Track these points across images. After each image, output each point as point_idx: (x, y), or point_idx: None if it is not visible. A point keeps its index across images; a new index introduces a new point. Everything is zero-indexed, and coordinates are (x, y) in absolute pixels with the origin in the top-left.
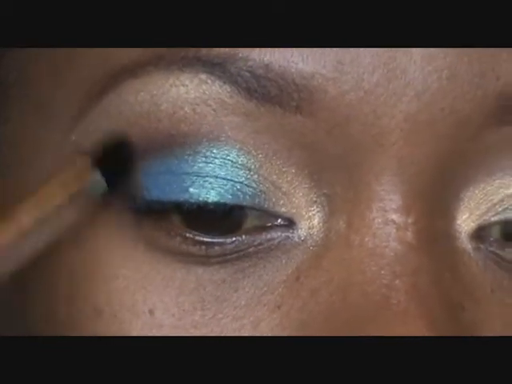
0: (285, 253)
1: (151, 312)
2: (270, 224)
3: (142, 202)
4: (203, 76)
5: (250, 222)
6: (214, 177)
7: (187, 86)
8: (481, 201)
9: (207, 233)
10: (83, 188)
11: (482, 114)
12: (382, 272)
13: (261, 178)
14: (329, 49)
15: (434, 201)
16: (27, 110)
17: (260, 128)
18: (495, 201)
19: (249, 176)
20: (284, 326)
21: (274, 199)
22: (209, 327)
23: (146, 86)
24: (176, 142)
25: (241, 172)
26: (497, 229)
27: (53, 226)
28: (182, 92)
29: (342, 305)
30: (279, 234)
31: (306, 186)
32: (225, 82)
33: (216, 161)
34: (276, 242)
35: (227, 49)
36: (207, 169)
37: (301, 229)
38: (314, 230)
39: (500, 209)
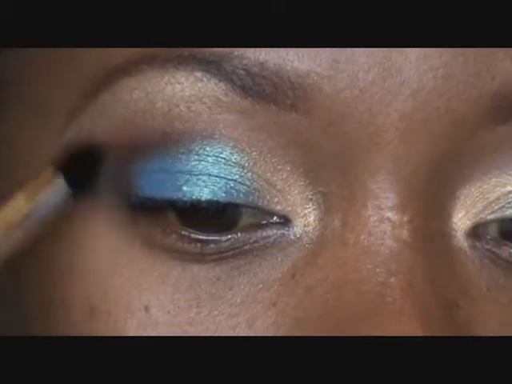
0: (280, 250)
1: (146, 309)
2: (265, 222)
3: (136, 200)
4: (198, 74)
5: (246, 219)
6: (207, 175)
7: (182, 83)
8: (477, 199)
9: (202, 230)
10: (46, 197)
11: (478, 113)
12: (377, 270)
13: (255, 176)
14: None
15: (429, 199)
16: (24, 109)
17: (255, 126)
18: (491, 199)
19: (242, 174)
20: (279, 324)
21: (268, 197)
22: (204, 324)
23: (141, 84)
24: (171, 140)
25: (234, 170)
26: (493, 227)
27: (17, 236)
28: (177, 90)
29: (336, 303)
30: (275, 231)
31: (302, 183)
32: (220, 80)
33: (209, 159)
34: (271, 239)
35: None
36: (200, 167)
37: (296, 226)
38: (310, 227)
39: (496, 207)
